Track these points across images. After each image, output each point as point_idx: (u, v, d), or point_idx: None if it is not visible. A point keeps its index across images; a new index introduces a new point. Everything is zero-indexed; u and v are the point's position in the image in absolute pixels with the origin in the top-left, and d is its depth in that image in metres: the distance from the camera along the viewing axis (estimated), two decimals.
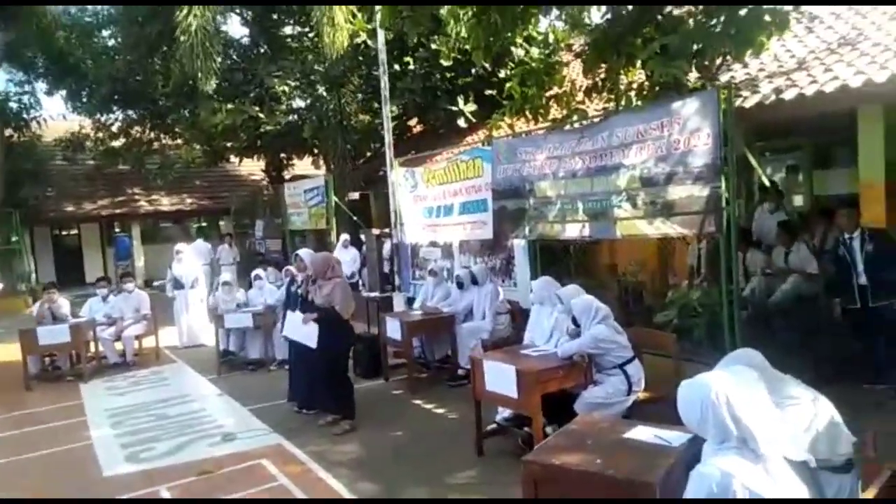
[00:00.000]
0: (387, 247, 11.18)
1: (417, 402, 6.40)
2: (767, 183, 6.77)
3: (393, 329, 6.94)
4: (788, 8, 5.03)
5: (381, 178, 14.08)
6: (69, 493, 4.60)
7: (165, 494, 4.51)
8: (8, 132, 17.28)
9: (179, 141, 17.83)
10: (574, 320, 4.75)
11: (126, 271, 10.17)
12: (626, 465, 2.70)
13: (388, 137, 8.76)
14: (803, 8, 6.49)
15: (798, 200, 9.54)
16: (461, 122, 12.48)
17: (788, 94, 6.40)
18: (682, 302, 6.35)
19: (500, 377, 4.61)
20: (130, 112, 17.39)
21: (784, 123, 7.53)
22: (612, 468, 2.69)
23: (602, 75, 7.51)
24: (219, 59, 10.96)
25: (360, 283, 11.93)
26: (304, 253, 6.31)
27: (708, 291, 6.44)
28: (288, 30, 13.99)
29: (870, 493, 2.21)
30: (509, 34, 7.43)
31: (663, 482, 2.53)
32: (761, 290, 6.92)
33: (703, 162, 5.31)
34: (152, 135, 17.96)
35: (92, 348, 8.50)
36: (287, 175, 16.83)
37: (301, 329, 5.67)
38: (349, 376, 5.96)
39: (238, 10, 12.79)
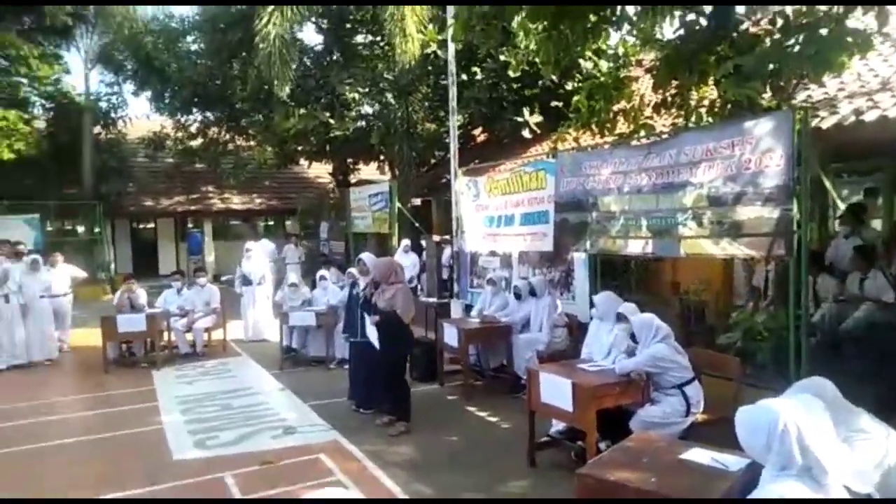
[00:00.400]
0: (446, 253, 11.33)
1: (472, 409, 6.48)
2: (842, 206, 6.52)
3: (450, 335, 7.05)
4: (872, 29, 4.86)
5: (443, 185, 14.30)
6: (140, 473, 4.90)
7: (229, 481, 4.73)
8: (96, 129, 18.39)
9: (252, 143, 18.57)
10: (633, 337, 4.74)
11: (198, 266, 10.64)
12: (682, 485, 2.71)
13: (454, 146, 8.91)
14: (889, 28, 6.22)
15: (877, 224, 9.14)
16: (526, 133, 12.53)
17: (869, 116, 6.18)
18: (747, 324, 6.20)
19: (555, 390, 4.65)
20: (208, 114, 18.25)
21: (864, 145, 7.26)
22: (666, 488, 2.70)
23: (672, 91, 7.43)
24: (294, 66, 11.37)
25: (419, 288, 12.11)
26: (367, 257, 6.51)
27: (774, 315, 6.26)
28: (360, 38, 14.37)
29: None
30: (579, 48, 7.45)
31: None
32: (832, 316, 6.67)
33: (774, 183, 5.20)
34: (227, 136, 18.77)
35: (165, 338, 8.97)
36: (353, 179, 17.25)
37: (371, 330, 5.83)
38: (407, 379, 6.09)
39: (314, 19, 13.23)
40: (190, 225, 21.46)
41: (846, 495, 2.11)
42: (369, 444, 5.44)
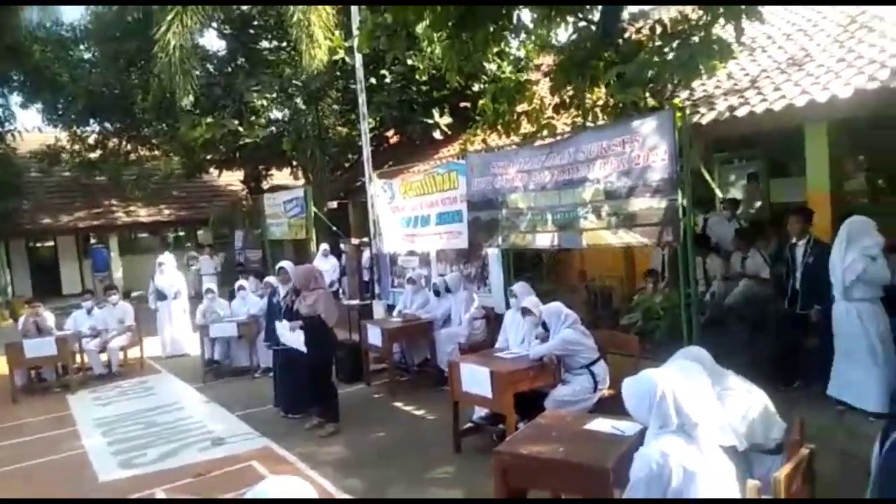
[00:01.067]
0: (366, 256, 11.49)
1: (398, 404, 6.73)
2: (720, 194, 7.21)
3: (374, 336, 7.26)
4: (732, 39, 5.47)
5: (358, 188, 14.41)
6: (70, 497, 4.83)
7: (161, 496, 4.76)
8: None
9: (157, 153, 17.96)
10: (544, 325, 5.13)
11: (109, 284, 10.29)
12: (585, 452, 3.07)
13: (367, 152, 9.08)
14: (751, 33, 6.96)
15: (758, 206, 10.08)
16: (437, 134, 12.86)
17: (741, 112, 6.88)
18: (645, 305, 6.77)
19: (475, 378, 4.97)
20: (107, 124, 17.48)
21: (742, 135, 8.03)
22: (573, 455, 3.05)
23: (569, 94, 7.94)
24: (196, 74, 11.16)
25: (341, 291, 12.21)
26: (288, 265, 6.60)
27: (669, 295, 6.87)
28: (265, 44, 14.23)
29: (786, 469, 2.60)
30: (480, 54, 7.82)
31: (616, 466, 2.90)
32: (720, 293, 7.38)
33: (660, 176, 5.72)
34: (129, 147, 18.06)
35: (78, 360, 8.67)
36: (265, 186, 17.04)
37: (290, 336, 5.96)
38: (333, 381, 6.25)
39: (215, 25, 13.00)
40: (93, 241, 20.47)
41: (717, 447, 2.51)
42: (300, 447, 5.58)
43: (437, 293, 7.73)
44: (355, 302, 11.23)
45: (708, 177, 5.99)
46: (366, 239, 12.75)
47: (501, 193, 7.51)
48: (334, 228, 12.95)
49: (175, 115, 13.09)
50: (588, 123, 7.90)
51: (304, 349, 5.91)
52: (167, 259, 10.47)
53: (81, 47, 16.39)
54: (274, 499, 1.84)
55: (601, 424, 3.40)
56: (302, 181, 17.47)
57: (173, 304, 10.19)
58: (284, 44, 14.12)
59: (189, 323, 10.35)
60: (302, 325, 5.86)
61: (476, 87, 12.83)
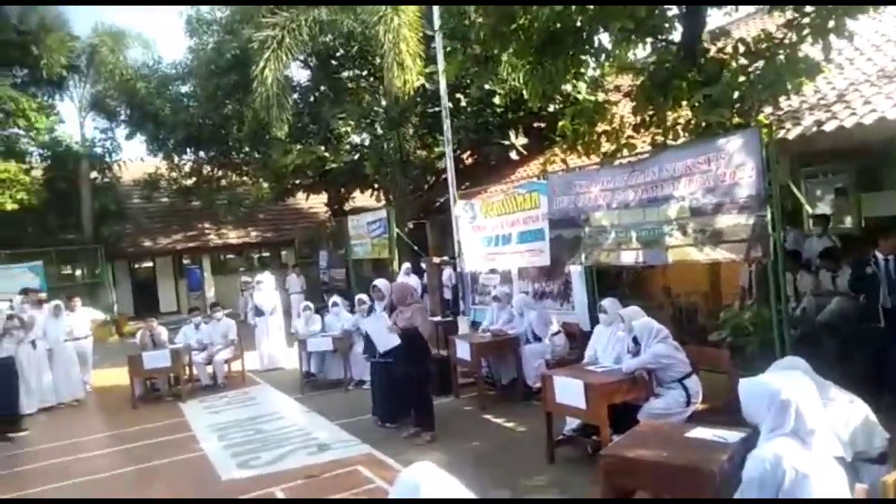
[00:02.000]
0: (446, 274, 11.86)
1: (488, 416, 6.99)
2: (810, 210, 7.16)
3: (463, 350, 7.57)
4: (819, 57, 5.52)
5: (436, 208, 14.91)
6: (198, 494, 5.35)
7: (280, 495, 5.21)
8: (93, 174, 18.84)
9: (246, 178, 19.11)
10: (635, 339, 5.30)
11: (214, 301, 11.08)
12: (689, 456, 3.26)
13: (451, 174, 9.47)
14: (839, 45, 6.91)
15: (848, 221, 9.82)
16: (513, 155, 13.18)
17: (829, 126, 6.87)
18: (734, 322, 6.79)
19: (569, 391, 5.19)
20: (201, 153, 18.79)
21: (828, 150, 7.94)
22: (677, 458, 3.25)
23: (650, 113, 8.08)
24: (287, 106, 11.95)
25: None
26: (382, 283, 7.04)
27: (759, 311, 6.86)
28: (347, 73, 15.02)
29: (894, 475, 2.71)
30: (561, 78, 8.09)
31: (721, 470, 3.07)
32: (811, 309, 7.30)
33: (748, 193, 5.82)
34: (220, 173, 19.32)
35: (187, 372, 9.40)
36: (347, 208, 17.81)
37: (384, 335, 6.33)
38: (429, 392, 6.59)
39: (301, 57, 13.85)
40: (186, 262, 21.86)
41: (828, 453, 2.64)
42: (401, 454, 5.92)
43: (520, 312, 7.97)
44: (437, 318, 11.63)
45: (797, 192, 6.00)
46: (446, 258, 13.19)
47: (584, 212, 7.72)
48: (415, 248, 13.44)
49: (267, 144, 14.00)
50: (669, 142, 8.03)
51: (396, 342, 6.23)
52: (266, 278, 11.18)
53: (180, 83, 17.71)
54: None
55: (702, 433, 3.57)
56: (382, 203, 18.19)
57: (270, 319, 10.86)
58: (365, 72, 14.90)
59: (284, 338, 11.00)
60: (401, 335, 6.23)
61: (551, 108, 13.11)
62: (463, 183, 14.52)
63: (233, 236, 21.26)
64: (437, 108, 13.62)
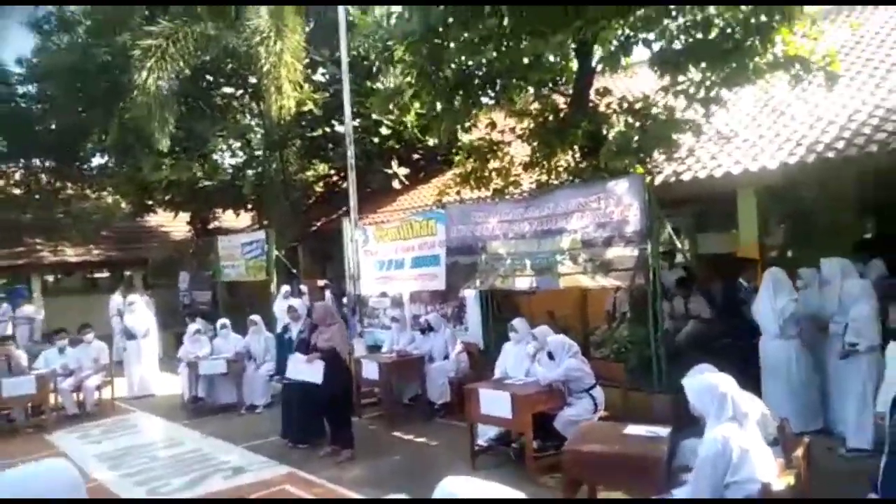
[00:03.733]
0: (328, 296, 11.92)
1: (398, 434, 7.25)
2: (679, 245, 8.42)
3: (370, 370, 7.79)
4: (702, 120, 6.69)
5: (311, 231, 14.89)
6: None
7: None
8: None
9: (89, 191, 17.55)
10: (549, 354, 5.94)
11: (84, 322, 10.07)
12: (637, 448, 3.88)
13: (353, 201, 9.63)
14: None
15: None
16: (395, 184, 13.65)
17: (685, 176, 8.18)
18: (613, 341, 7.76)
19: (494, 402, 5.69)
20: (35, 161, 16.99)
21: (670, 196, 9.37)
22: (625, 450, 3.86)
23: (537, 156, 9.00)
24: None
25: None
26: (299, 304, 7.09)
27: (634, 331, 7.91)
28: (221, 91, 14.61)
29: (800, 451, 3.52)
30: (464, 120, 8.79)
31: (665, 456, 3.72)
32: (671, 331, 8.53)
33: (633, 229, 6.82)
34: (60, 184, 17.59)
35: (51, 400, 8.55)
36: (211, 227, 17.07)
37: (305, 368, 6.42)
38: (350, 411, 6.73)
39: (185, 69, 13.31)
40: (2, 280, 19.35)
41: (757, 433, 3.37)
42: (324, 472, 6.01)
43: (422, 331, 8.39)
44: None
45: (671, 231, 7.11)
46: (326, 281, 13.24)
47: (482, 240, 8.41)
48: (293, 271, 13.32)
49: (135, 156, 13.15)
50: (552, 181, 9.02)
51: (318, 381, 6.38)
52: (137, 298, 10.49)
53: (18, 83, 16.01)
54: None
55: (635, 429, 4.23)
56: (249, 224, 17.69)
57: (143, 343, 10.19)
58: (240, 92, 14.62)
59: (157, 363, 10.37)
60: (322, 357, 6.36)
61: (430, 143, 13.83)
62: (342, 207, 14.73)
63: (71, 254, 19.25)
64: (316, 133, 13.82)
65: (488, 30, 6.14)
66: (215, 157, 13.59)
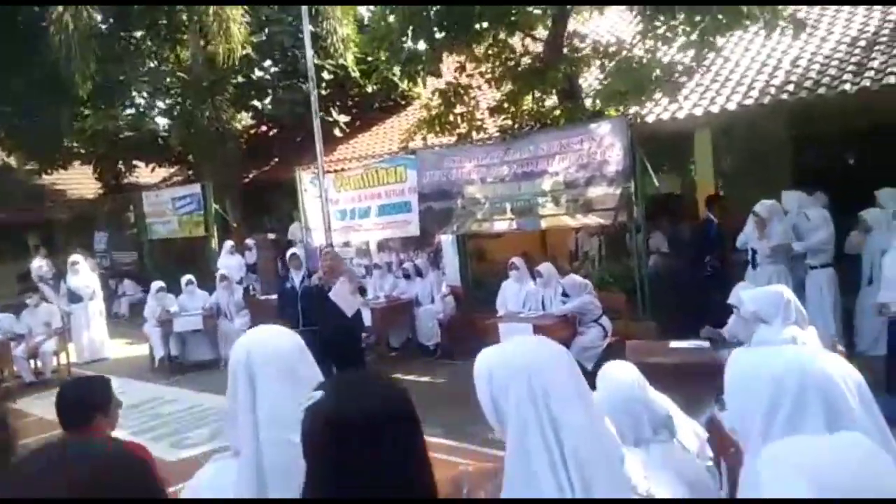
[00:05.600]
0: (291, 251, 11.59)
1: (397, 375, 7.33)
2: (657, 184, 8.92)
3: (364, 317, 7.79)
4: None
5: (243, 184, 14.26)
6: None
7: None
8: None
9: None
10: (564, 292, 6.29)
11: (29, 285, 9.17)
12: (697, 357, 4.31)
13: (320, 147, 9.25)
14: None
15: None
16: (336, 132, 13.33)
17: (649, 118, 8.67)
18: (597, 275, 8.25)
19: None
20: None
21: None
22: (688, 358, 4.28)
23: (505, 100, 9.16)
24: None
25: (251, 288, 12.08)
26: (300, 251, 6.95)
27: (611, 267, 8.45)
28: (138, 34, 13.44)
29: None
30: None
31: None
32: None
33: (615, 169, 7.22)
34: None
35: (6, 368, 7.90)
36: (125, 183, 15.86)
37: (350, 299, 6.29)
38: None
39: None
40: None
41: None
42: None
43: (406, 276, 8.48)
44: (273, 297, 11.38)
45: (650, 171, 7.57)
46: (271, 235, 12.84)
47: (458, 185, 8.55)
48: (233, 224, 12.80)
49: (42, 106, 11.87)
50: (518, 126, 9.26)
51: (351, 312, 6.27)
52: (80, 258, 9.72)
53: None
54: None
55: (681, 344, 4.66)
56: (161, 177, 16.60)
57: (90, 305, 9.51)
58: (161, 35, 13.52)
59: (105, 325, 9.74)
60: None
61: (369, 89, 13.58)
62: (273, 158, 14.23)
63: None
64: (251, 77, 13.14)
65: None
66: (136, 105, 12.53)
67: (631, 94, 6.83)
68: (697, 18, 6.14)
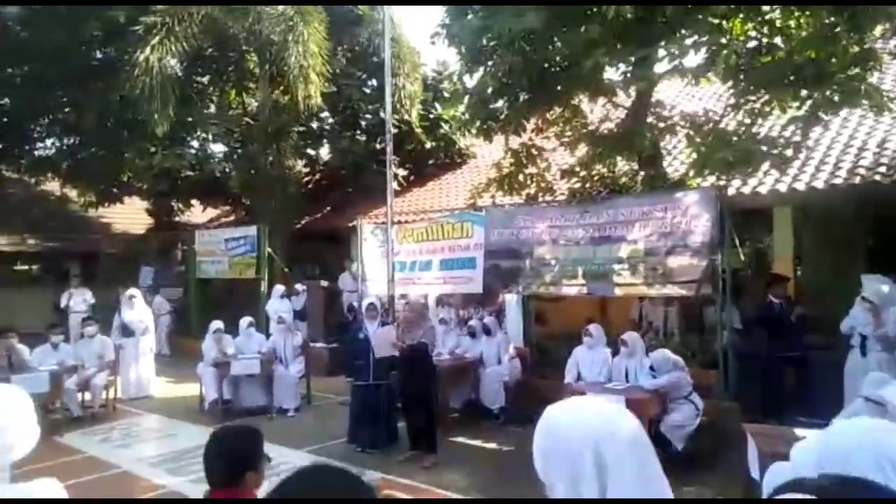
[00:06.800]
0: (345, 298, 11.45)
1: (459, 439, 6.99)
2: (742, 257, 8.65)
3: None
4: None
5: (296, 229, 14.25)
6: None
7: None
8: None
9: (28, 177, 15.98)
10: (651, 368, 5.96)
11: (87, 316, 9.07)
12: None
13: (390, 199, 9.18)
14: None
15: None
16: (395, 185, 13.34)
17: (745, 189, 8.40)
18: (671, 349, 7.87)
19: None
20: None
21: None
22: None
23: (576, 166, 9.05)
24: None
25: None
26: (376, 301, 6.75)
27: (683, 341, 8.08)
28: (206, 78, 13.81)
29: None
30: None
31: None
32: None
33: (701, 240, 6.97)
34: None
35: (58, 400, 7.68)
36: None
37: (387, 345, 6.10)
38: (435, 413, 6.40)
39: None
40: None
41: None
42: (415, 476, 5.71)
43: (472, 335, 8.19)
44: (321, 344, 11.16)
45: (737, 244, 7.32)
46: (324, 282, 12.70)
47: (528, 244, 8.37)
48: (286, 269, 12.70)
49: (109, 140, 12.12)
50: (588, 190, 9.11)
51: (394, 353, 6.09)
52: (137, 293, 9.63)
53: None
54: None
55: (801, 432, 4.28)
56: (209, 217, 16.71)
57: (142, 340, 9.35)
58: (231, 81, 13.87)
59: (153, 362, 9.54)
60: (411, 351, 6.06)
61: (428, 145, 13.70)
62: (328, 206, 14.28)
63: (3, 242, 17.45)
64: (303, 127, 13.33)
65: (598, 32, 6.11)
66: (204, 147, 12.72)
67: (737, 166, 6.61)
68: (804, 93, 5.98)
